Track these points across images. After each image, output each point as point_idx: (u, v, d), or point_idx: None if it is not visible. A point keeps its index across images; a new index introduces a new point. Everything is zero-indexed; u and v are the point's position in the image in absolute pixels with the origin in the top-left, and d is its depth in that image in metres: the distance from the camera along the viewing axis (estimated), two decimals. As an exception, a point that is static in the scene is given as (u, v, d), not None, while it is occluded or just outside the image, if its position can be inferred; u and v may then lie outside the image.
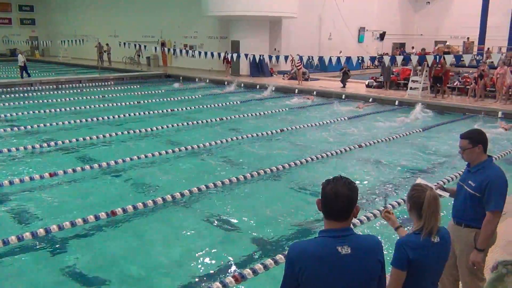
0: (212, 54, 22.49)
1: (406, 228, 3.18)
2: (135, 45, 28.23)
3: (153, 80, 25.44)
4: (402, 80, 20.29)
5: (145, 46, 26.38)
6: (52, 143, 10.76)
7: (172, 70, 28.63)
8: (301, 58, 20.91)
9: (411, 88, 18.33)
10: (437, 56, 17.75)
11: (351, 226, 2.34)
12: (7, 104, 16.43)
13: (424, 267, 2.59)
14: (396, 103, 17.40)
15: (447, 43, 30.21)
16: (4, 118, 14.00)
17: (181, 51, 25.59)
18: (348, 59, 19.59)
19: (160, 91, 20.70)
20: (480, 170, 3.60)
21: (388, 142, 11.42)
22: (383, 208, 3.50)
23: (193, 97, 18.91)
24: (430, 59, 17.09)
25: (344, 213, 2.21)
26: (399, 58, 18.91)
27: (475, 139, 3.59)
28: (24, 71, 22.78)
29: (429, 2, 36.06)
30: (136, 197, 7.50)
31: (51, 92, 20.13)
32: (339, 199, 2.18)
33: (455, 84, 18.89)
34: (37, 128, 12.52)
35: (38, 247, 5.78)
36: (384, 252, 2.35)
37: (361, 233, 3.37)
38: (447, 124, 13.89)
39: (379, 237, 2.46)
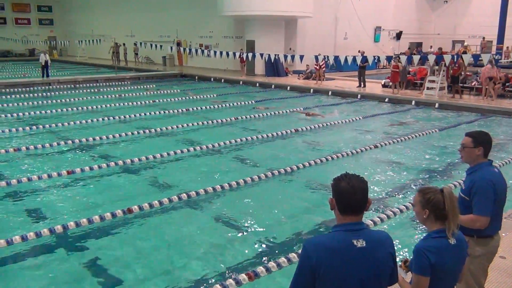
0: (227, 54, 22.56)
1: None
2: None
3: (168, 80, 25.64)
4: (418, 80, 20.11)
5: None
6: (70, 142, 10.92)
7: (187, 70, 28.82)
8: (316, 57, 20.85)
9: (428, 88, 18.16)
10: (455, 56, 17.55)
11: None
12: (26, 103, 16.70)
13: (444, 271, 2.55)
14: (413, 103, 17.25)
15: (465, 43, 29.85)
16: (23, 116, 14.25)
17: (196, 50, 25.75)
18: (365, 58, 19.50)
19: (175, 90, 20.83)
20: (473, 172, 3.43)
21: (404, 142, 11.32)
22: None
23: (208, 96, 18.97)
24: (447, 58, 16.90)
25: (361, 206, 2.27)
26: (416, 58, 18.73)
27: (478, 140, 3.42)
28: (44, 70, 23.15)
29: (446, 1, 35.62)
30: (152, 195, 7.57)
31: (69, 92, 20.40)
32: (357, 192, 2.23)
33: (472, 84, 18.66)
34: (55, 126, 12.72)
35: (55, 243, 5.87)
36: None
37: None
38: (464, 124, 13.72)
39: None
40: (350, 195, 2.24)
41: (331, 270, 2.18)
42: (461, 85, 18.06)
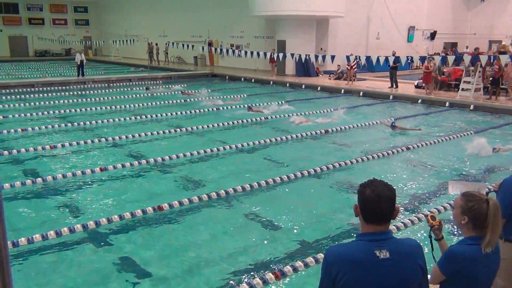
0: (258, 54, 22.59)
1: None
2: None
3: (199, 79, 25.89)
4: (453, 81, 19.65)
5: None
6: (103, 139, 11.17)
7: (218, 70, 29.03)
8: (348, 58, 20.64)
9: (462, 89, 17.71)
10: (491, 56, 17.05)
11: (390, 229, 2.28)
12: (62, 101, 17.17)
13: (475, 279, 2.49)
14: (447, 104, 16.87)
15: (503, 43, 28.95)
16: (59, 114, 14.67)
17: (227, 50, 25.88)
18: (397, 58, 19.19)
19: (206, 90, 20.99)
20: None
21: (437, 145, 11.09)
22: (429, 212, 3.35)
23: (238, 96, 19.03)
24: (483, 59, 16.43)
25: (387, 215, 2.18)
26: (451, 58, 18.29)
27: None
28: (80, 70, 23.81)
29: (483, 0, 34.64)
30: (182, 193, 7.67)
31: (103, 90, 20.88)
32: (382, 201, 2.14)
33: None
34: (89, 124, 13.04)
35: (88, 239, 6.01)
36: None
37: (400, 237, 3.25)
38: (501, 127, 13.33)
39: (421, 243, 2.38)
40: (375, 204, 2.15)
41: (352, 282, 2.12)
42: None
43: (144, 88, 21.17)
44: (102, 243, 5.90)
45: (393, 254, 2.13)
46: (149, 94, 19.59)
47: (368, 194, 2.16)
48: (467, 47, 31.24)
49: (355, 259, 2.13)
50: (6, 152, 9.80)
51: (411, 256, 2.19)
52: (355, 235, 2.34)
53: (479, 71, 17.30)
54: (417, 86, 20.19)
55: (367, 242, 2.17)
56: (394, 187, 2.22)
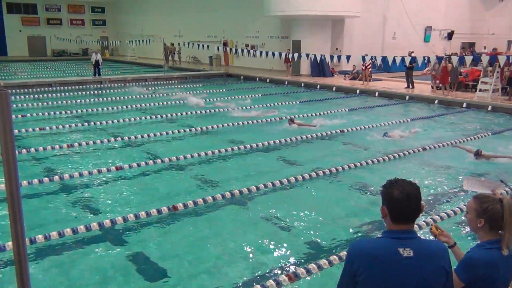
0: (273, 54, 22.56)
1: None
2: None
3: (214, 79, 25.97)
4: (470, 82, 19.39)
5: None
6: (119, 138, 11.27)
7: (233, 70, 29.08)
8: (363, 58, 20.51)
9: (480, 90, 17.46)
10: (510, 57, 16.78)
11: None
12: (79, 101, 17.37)
13: (496, 283, 2.46)
14: (464, 105, 16.66)
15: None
16: (76, 114, 14.84)
17: (242, 50, 25.90)
18: (414, 59, 19.00)
19: (221, 90, 21.06)
20: None
21: (452, 146, 10.95)
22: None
23: (253, 96, 19.04)
24: (502, 59, 16.18)
25: (415, 214, 2.19)
26: (468, 59, 18.05)
27: None
28: (96, 69, 24.08)
29: (502, 0, 34.08)
30: (196, 193, 7.69)
31: (119, 90, 21.06)
32: (412, 200, 2.15)
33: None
34: (105, 124, 13.16)
35: (104, 237, 6.06)
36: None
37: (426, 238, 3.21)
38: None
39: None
40: (405, 202, 2.15)
41: (372, 278, 2.12)
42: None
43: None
44: (117, 242, 5.95)
45: (417, 254, 2.13)
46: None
47: (397, 195, 2.16)
48: (485, 47, 30.78)
49: (377, 256, 2.13)
50: (24, 151, 9.95)
51: (436, 257, 2.17)
52: (371, 235, 2.32)
53: (497, 72, 17.05)
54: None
55: (392, 240, 2.17)
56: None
